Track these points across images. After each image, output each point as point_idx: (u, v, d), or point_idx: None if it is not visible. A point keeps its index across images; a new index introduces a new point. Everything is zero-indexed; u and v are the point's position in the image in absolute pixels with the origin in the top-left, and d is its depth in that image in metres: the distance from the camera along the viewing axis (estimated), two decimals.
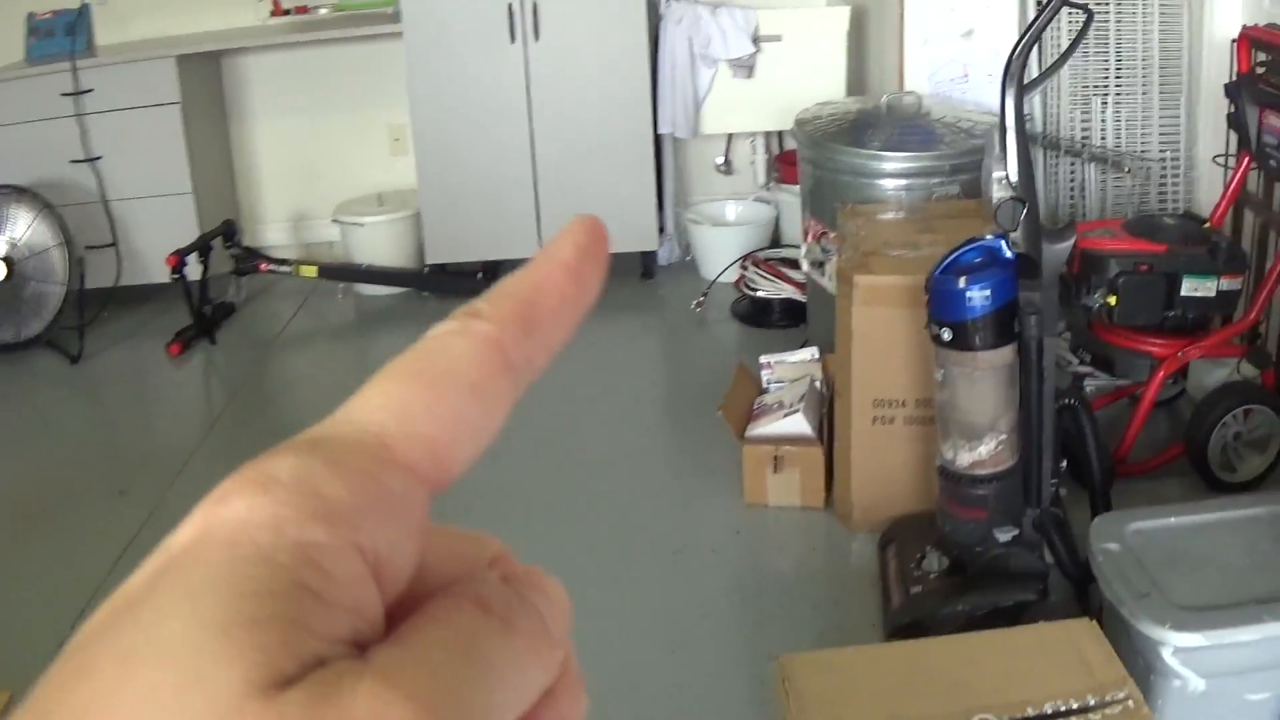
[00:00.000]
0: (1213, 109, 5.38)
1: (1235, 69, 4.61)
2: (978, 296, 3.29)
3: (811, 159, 4.86)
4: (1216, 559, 3.19)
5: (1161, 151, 5.49)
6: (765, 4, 6.21)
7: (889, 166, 4.68)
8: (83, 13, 6.84)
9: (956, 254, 3.40)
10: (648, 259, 6.54)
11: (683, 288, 6.42)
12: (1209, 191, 5.46)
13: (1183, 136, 5.51)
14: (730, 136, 6.75)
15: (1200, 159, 5.50)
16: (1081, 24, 3.52)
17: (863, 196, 4.70)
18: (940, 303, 3.37)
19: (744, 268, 5.95)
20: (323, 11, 6.68)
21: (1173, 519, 3.36)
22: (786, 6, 6.27)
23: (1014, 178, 3.30)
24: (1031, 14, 5.45)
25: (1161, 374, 4.31)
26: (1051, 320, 3.38)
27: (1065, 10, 4.08)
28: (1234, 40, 4.79)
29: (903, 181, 4.70)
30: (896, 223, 4.43)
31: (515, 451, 4.70)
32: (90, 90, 6.43)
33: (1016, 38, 3.30)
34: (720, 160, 6.80)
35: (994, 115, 5.05)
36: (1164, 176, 5.51)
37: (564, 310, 0.46)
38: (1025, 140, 3.31)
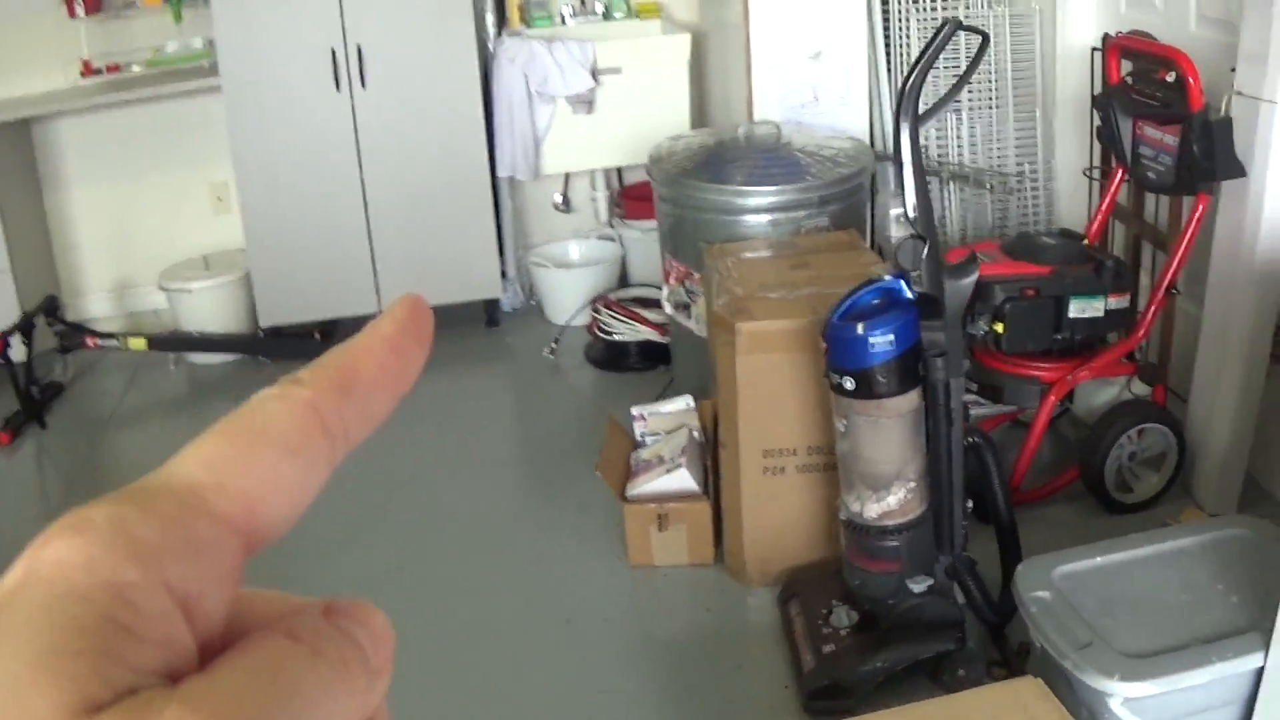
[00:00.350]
0: (1070, 120, 5.29)
1: (1104, 80, 4.51)
2: (880, 342, 3.12)
3: (669, 198, 4.67)
4: (1152, 598, 3.09)
5: (1019, 165, 5.39)
6: (602, 35, 6.03)
7: (754, 202, 4.50)
8: None
9: (853, 297, 3.23)
10: (491, 306, 6.33)
11: (531, 334, 6.22)
12: (1070, 204, 5.39)
13: (1040, 149, 5.43)
14: (568, 174, 6.54)
15: (1059, 171, 5.42)
16: (977, 47, 3.33)
17: (727, 234, 4.52)
18: (840, 351, 3.19)
19: (595, 310, 5.75)
20: (136, 69, 6.38)
21: (1099, 558, 3.24)
22: (624, 37, 6.09)
23: (913, 214, 3.12)
24: (879, 34, 5.33)
25: (1053, 399, 4.20)
26: (957, 360, 3.22)
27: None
28: (1095, 49, 4.71)
29: (769, 216, 4.53)
30: (768, 261, 4.26)
31: (379, 531, 4.52)
32: None
33: (910, 68, 3.11)
34: (559, 198, 6.60)
35: (853, 139, 4.97)
36: (1023, 190, 5.40)
37: (383, 381, 0.47)
38: (923, 174, 3.15)
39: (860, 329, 3.12)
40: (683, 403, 4.47)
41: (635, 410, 4.50)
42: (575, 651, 3.84)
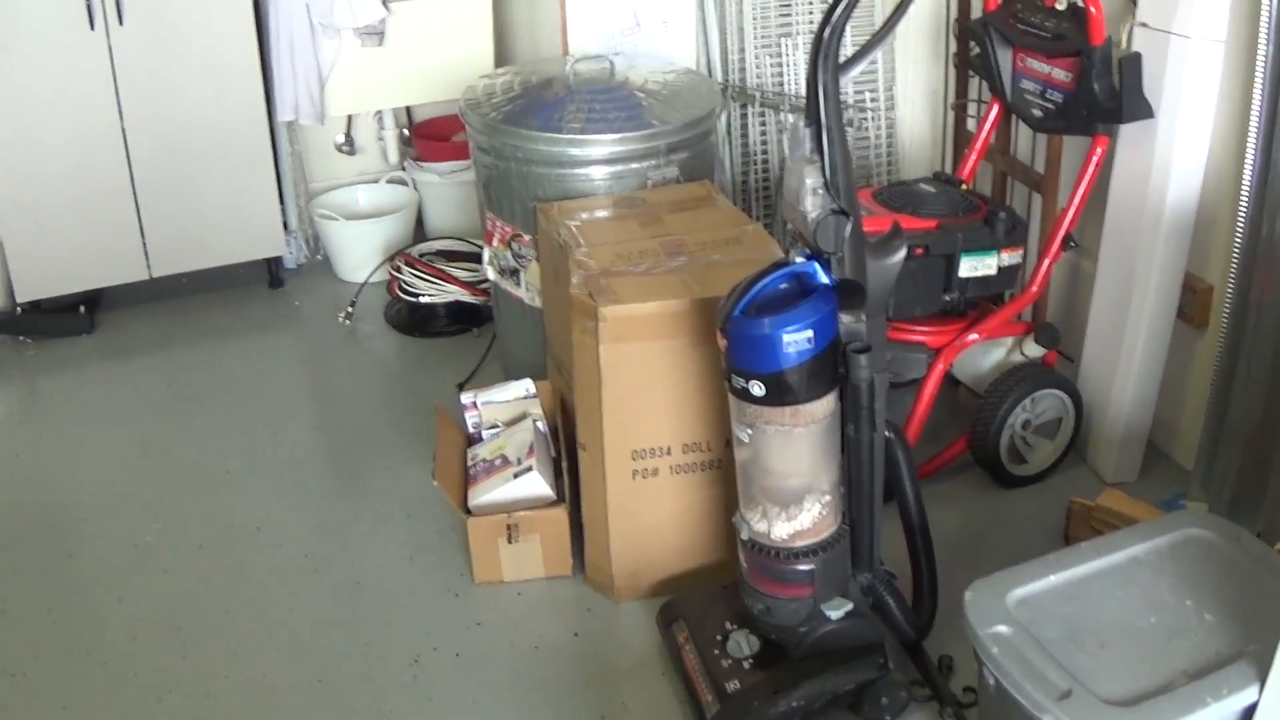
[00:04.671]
0: (915, 45, 4.94)
1: (982, 6, 4.15)
2: (796, 340, 2.72)
3: (489, 148, 4.19)
4: (1120, 624, 2.77)
5: (858, 94, 5.02)
6: None
7: (592, 152, 4.05)
8: None
9: (757, 285, 2.79)
10: (274, 265, 5.83)
11: (321, 296, 5.74)
12: (914, 136, 5.03)
13: (880, 75, 5.05)
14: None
15: (900, 99, 5.05)
16: None
17: (561, 191, 4.07)
18: (745, 351, 2.78)
19: (396, 269, 5.27)
20: None
21: (1052, 577, 2.91)
22: None
23: (834, 185, 2.69)
24: None
25: (942, 366, 3.87)
26: (881, 354, 2.80)
27: None
28: None
29: (610, 169, 4.08)
30: (615, 222, 3.82)
31: (155, 556, 4.03)
32: None
33: (829, 10, 2.66)
34: (340, 139, 6.07)
35: (691, 72, 4.54)
36: (864, 122, 5.04)
37: None
38: (844, 135, 2.71)
39: (772, 326, 2.69)
40: (521, 388, 4.02)
41: (466, 398, 4.04)
42: (428, 696, 3.38)
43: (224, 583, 3.88)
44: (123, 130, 5.34)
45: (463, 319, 5.23)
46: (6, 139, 5.23)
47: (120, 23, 5.18)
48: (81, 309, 5.61)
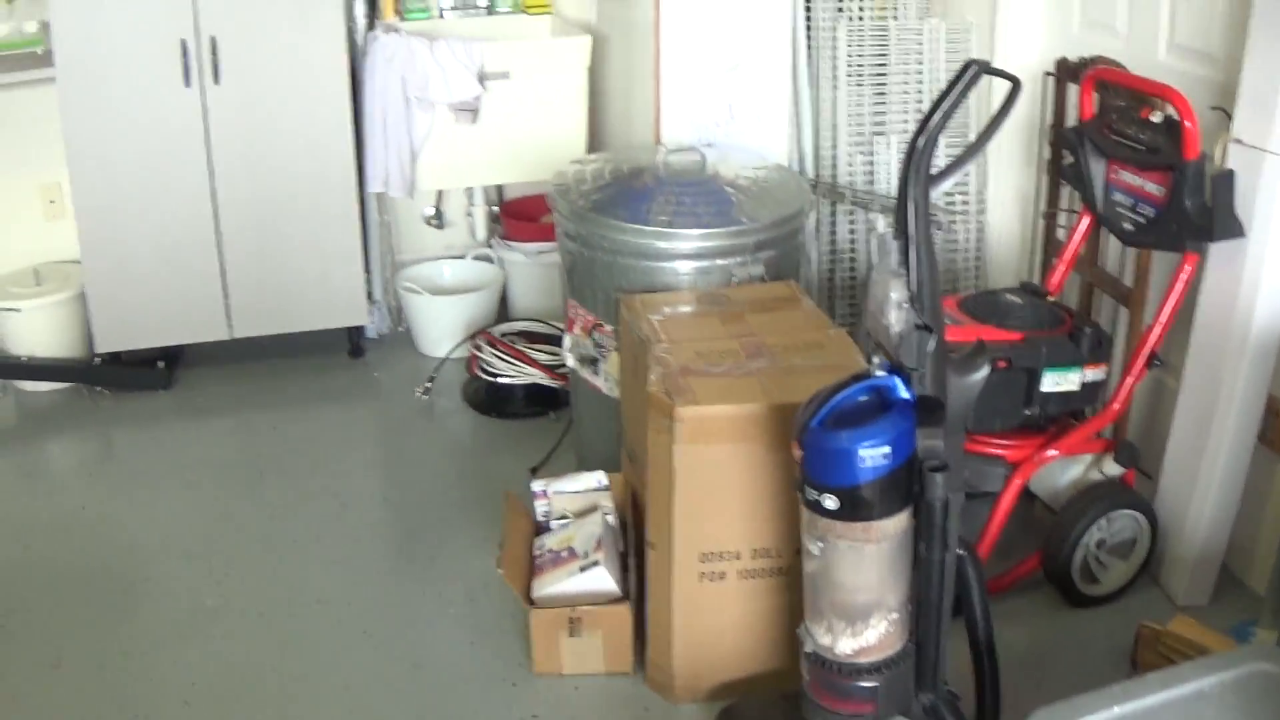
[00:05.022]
0: (1009, 149, 4.91)
1: (1058, 112, 4.13)
2: (872, 455, 2.68)
3: (576, 235, 4.17)
4: None
5: (949, 197, 4.98)
6: (486, 33, 5.57)
7: (679, 246, 4.02)
8: None
9: (836, 396, 2.76)
10: (355, 334, 5.84)
11: (400, 368, 5.73)
12: (1002, 240, 5.01)
13: (972, 179, 5.02)
14: None
15: (992, 204, 5.00)
16: (1008, 95, 2.87)
17: (645, 282, 4.04)
18: (821, 464, 2.75)
19: (476, 347, 5.25)
20: None
21: (1116, 709, 2.81)
22: (512, 36, 5.62)
23: (919, 300, 2.66)
24: (803, 44, 4.90)
25: (1019, 481, 3.81)
26: (958, 473, 2.76)
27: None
28: (1049, 75, 4.39)
29: (695, 263, 4.05)
30: (697, 318, 3.79)
31: (219, 618, 4.02)
32: None
33: (923, 117, 2.65)
34: (430, 212, 6.07)
35: (781, 168, 4.52)
36: (954, 224, 5.00)
37: None
38: (932, 250, 2.68)
39: (849, 440, 2.66)
40: (593, 479, 3.99)
41: (537, 486, 4.01)
42: None
43: (282, 653, 3.86)
44: (213, 189, 5.39)
45: (540, 402, 5.20)
46: (98, 190, 5.30)
47: (216, 81, 5.23)
48: (160, 364, 5.63)
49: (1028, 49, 4.85)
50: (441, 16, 5.87)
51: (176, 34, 5.19)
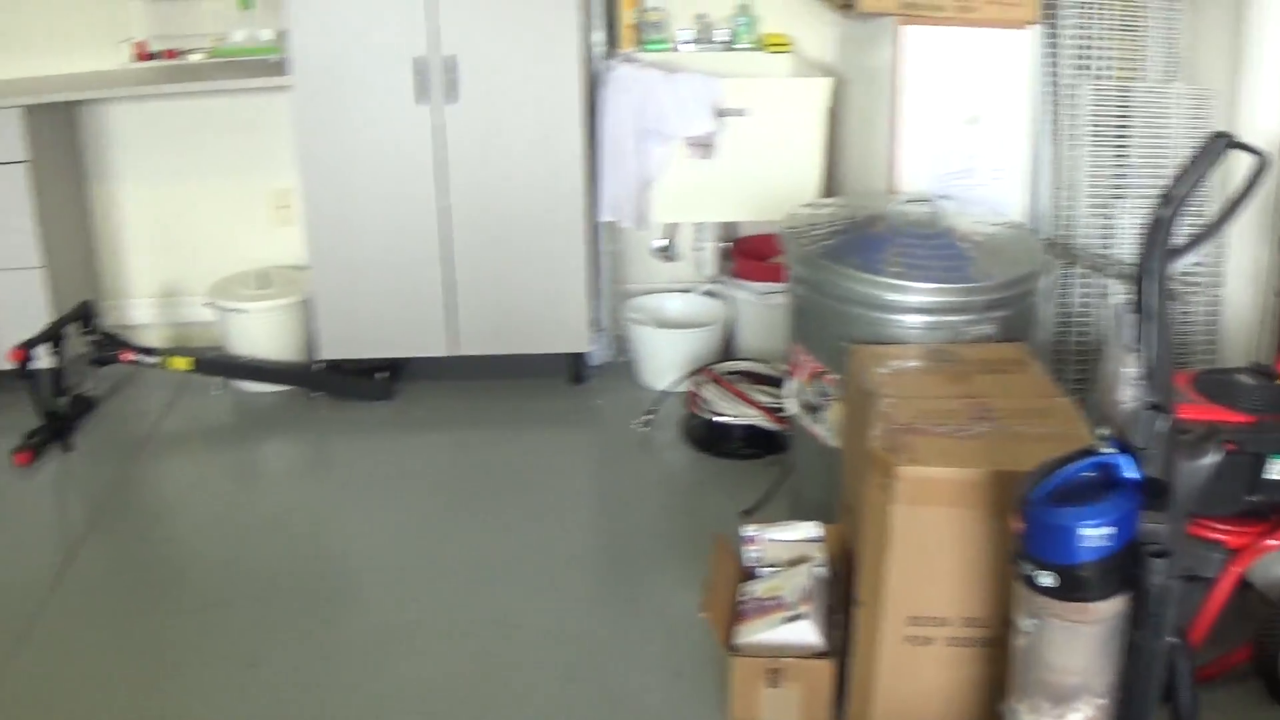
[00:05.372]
0: (1245, 221, 4.79)
1: None
2: (1095, 535, 2.62)
3: (805, 279, 4.15)
4: None
5: (1185, 270, 4.88)
6: (724, 68, 5.57)
7: (910, 300, 3.97)
8: None
9: (1061, 469, 2.71)
10: (578, 361, 5.85)
11: (621, 397, 5.74)
12: (1237, 316, 4.88)
13: (1209, 253, 4.91)
14: None
15: (1229, 275, 4.90)
16: (1254, 170, 2.80)
17: (872, 333, 4.00)
18: (1041, 539, 2.71)
19: (698, 384, 5.25)
20: (195, 57, 5.98)
21: None
22: (750, 73, 5.64)
23: (1152, 378, 2.61)
24: (1042, 102, 4.84)
25: (1238, 569, 3.68)
26: (1179, 560, 2.70)
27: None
28: None
29: (925, 318, 4.00)
30: (923, 375, 3.74)
31: (420, 640, 4.05)
32: None
33: (1166, 188, 2.59)
34: (661, 244, 6.06)
35: (1016, 225, 4.46)
36: (1190, 297, 4.90)
37: None
38: (1168, 327, 2.63)
39: (1072, 518, 2.61)
40: (807, 529, 3.95)
41: (749, 531, 3.98)
42: None
43: (477, 677, 3.88)
44: (444, 205, 5.49)
45: (757, 444, 5.17)
46: (328, 199, 5.43)
47: (453, 100, 5.30)
48: (381, 375, 5.75)
49: (1269, 118, 4.75)
50: (679, 49, 5.85)
51: (413, 50, 5.29)
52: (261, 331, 5.80)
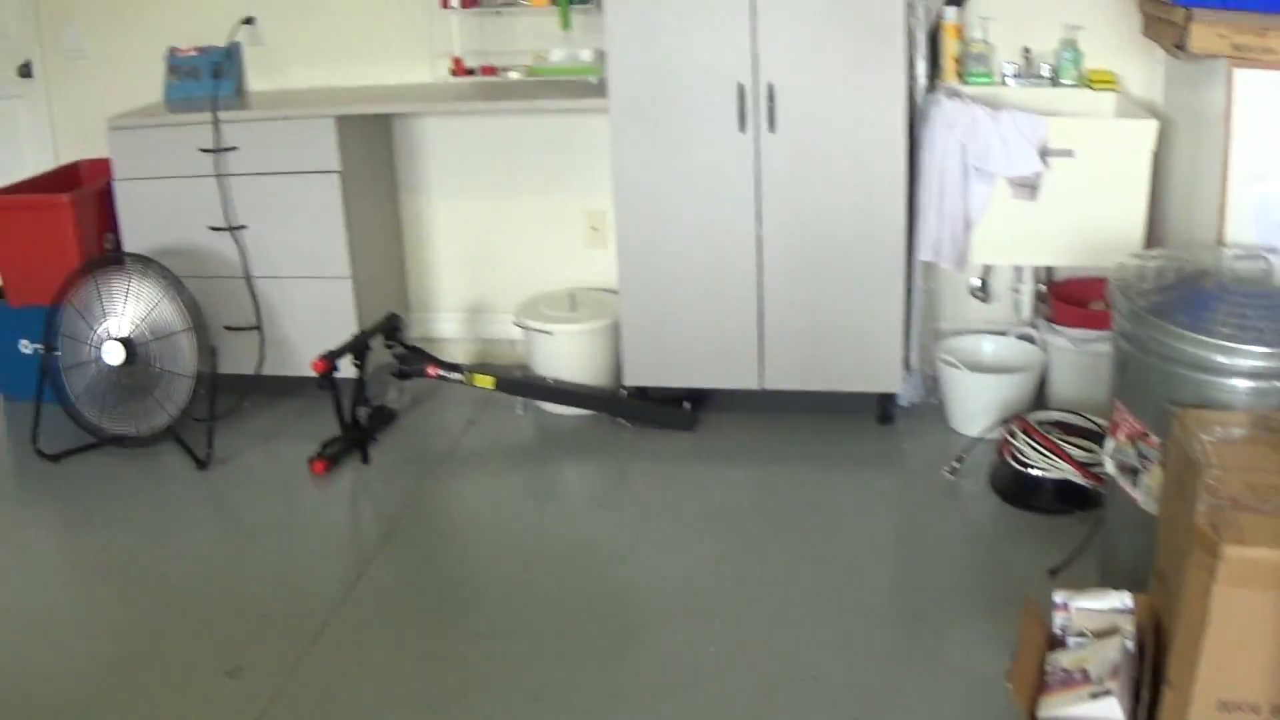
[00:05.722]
0: None
1: None
2: None
3: (1129, 334, 3.99)
4: None
5: None
6: (1048, 105, 5.47)
7: (1241, 363, 3.79)
8: (231, 53, 6.28)
9: None
10: (886, 401, 5.75)
11: (928, 441, 5.62)
12: None
13: None
14: None
15: None
16: None
17: (1198, 395, 3.84)
18: None
19: (1010, 432, 5.10)
20: (514, 75, 6.04)
21: None
22: (1075, 111, 5.51)
23: None
24: None
25: None
26: None
27: None
28: None
29: (1255, 383, 3.81)
30: (1252, 446, 3.57)
31: (713, 684, 3.98)
32: (235, 149, 5.81)
33: None
34: (975, 283, 5.94)
35: None
36: None
37: None
38: None
39: None
40: (1118, 599, 3.80)
41: (1059, 597, 3.84)
42: None
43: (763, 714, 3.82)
44: (759, 236, 5.44)
45: (1068, 499, 4.99)
46: (642, 223, 5.47)
47: (771, 129, 5.24)
48: (686, 405, 5.69)
49: None
50: (1004, 83, 5.72)
51: (734, 77, 5.25)
52: (568, 354, 5.83)
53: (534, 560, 4.69)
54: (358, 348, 5.54)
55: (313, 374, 5.48)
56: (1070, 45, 5.68)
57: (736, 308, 5.53)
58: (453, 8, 5.94)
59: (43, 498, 5.54)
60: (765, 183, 5.37)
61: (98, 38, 6.83)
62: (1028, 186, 5.25)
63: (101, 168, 6.42)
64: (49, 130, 7.11)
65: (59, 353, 5.79)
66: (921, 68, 5.50)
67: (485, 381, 5.68)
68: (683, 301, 5.54)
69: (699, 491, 5.19)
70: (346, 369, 5.51)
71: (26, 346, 6.43)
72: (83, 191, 6.21)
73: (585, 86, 5.78)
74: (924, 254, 5.44)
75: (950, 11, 5.66)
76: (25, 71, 7.08)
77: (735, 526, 4.92)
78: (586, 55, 5.92)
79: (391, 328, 5.76)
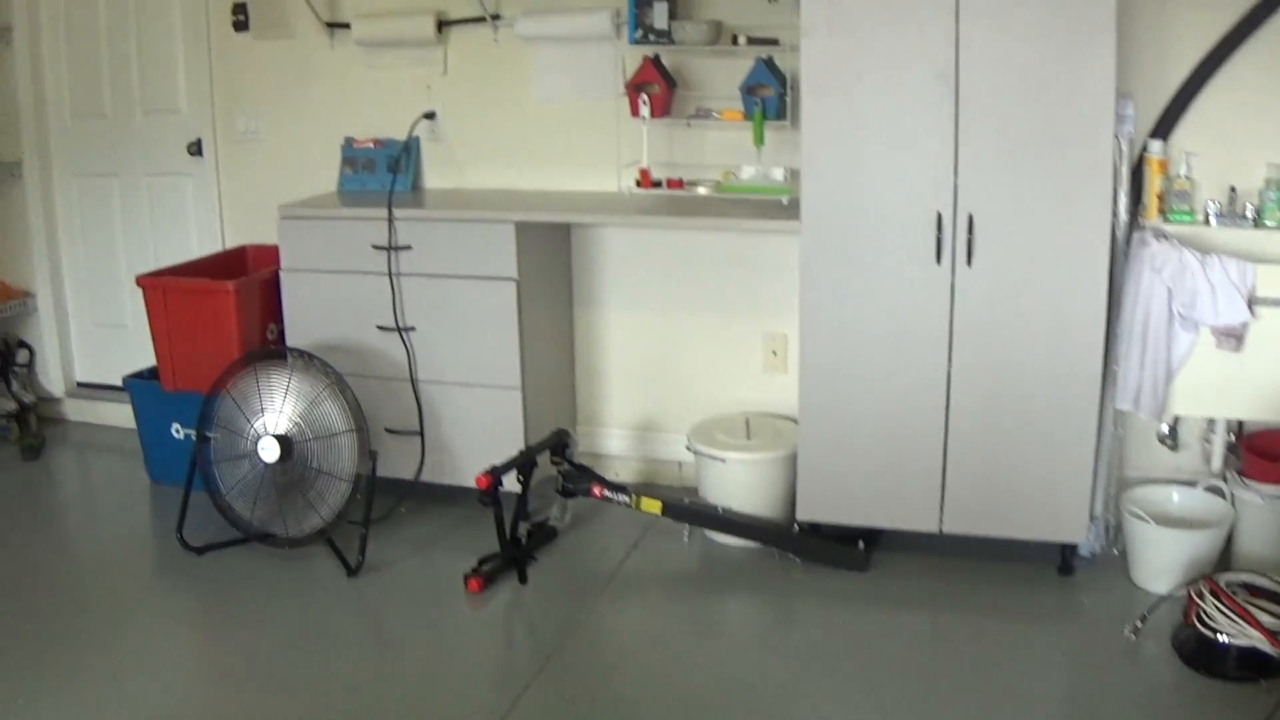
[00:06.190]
0: None
1: None
2: None
3: None
4: None
5: None
6: (1253, 246, 5.29)
7: None
8: (410, 148, 6.22)
9: None
10: (1067, 550, 5.54)
11: (1111, 597, 5.38)
12: None
13: None
14: None
15: None
16: None
17: None
18: None
19: (1197, 593, 4.89)
20: (701, 190, 5.92)
21: None
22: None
23: None
24: None
25: None
26: None
27: None
28: None
29: None
30: None
31: None
32: (408, 247, 5.77)
33: None
34: (1164, 430, 5.74)
35: None
36: None
37: None
38: None
39: None
40: None
41: None
42: None
43: None
44: (948, 372, 5.27)
45: (1253, 667, 4.74)
46: (827, 352, 5.36)
47: (968, 263, 5.10)
48: (860, 544, 5.53)
49: None
50: (1207, 222, 5.51)
51: (933, 206, 5.12)
52: (740, 482, 5.70)
53: (693, 700, 4.54)
54: (524, 464, 5.43)
55: (475, 485, 5.36)
56: (1276, 185, 5.47)
57: (920, 445, 5.36)
58: (642, 117, 5.83)
59: (182, 591, 5.49)
60: (958, 317, 5.21)
61: (272, 121, 6.86)
62: (1234, 336, 5.06)
63: (268, 255, 6.42)
64: (216, 211, 7.14)
65: (213, 439, 5.72)
66: (1123, 203, 5.32)
67: (652, 506, 5.56)
68: (864, 435, 5.39)
69: (868, 637, 5.02)
70: (510, 483, 5.39)
71: (179, 431, 6.39)
72: (248, 280, 6.20)
73: (774, 206, 5.65)
74: (1122, 402, 5.25)
75: (1155, 145, 5.49)
76: (195, 150, 7.11)
77: (903, 678, 4.74)
78: (778, 174, 5.80)
79: (559, 444, 5.65)
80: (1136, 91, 5.43)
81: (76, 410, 7.88)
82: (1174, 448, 5.82)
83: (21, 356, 7.77)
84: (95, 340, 7.88)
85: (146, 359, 6.58)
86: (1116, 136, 5.14)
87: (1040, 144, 5.04)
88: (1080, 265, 5.12)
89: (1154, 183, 5.49)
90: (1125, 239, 5.31)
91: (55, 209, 7.73)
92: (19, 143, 7.58)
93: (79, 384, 7.97)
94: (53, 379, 7.90)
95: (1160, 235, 5.20)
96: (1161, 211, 5.51)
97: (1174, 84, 5.52)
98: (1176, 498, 5.73)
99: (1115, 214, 5.27)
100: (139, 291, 6.39)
